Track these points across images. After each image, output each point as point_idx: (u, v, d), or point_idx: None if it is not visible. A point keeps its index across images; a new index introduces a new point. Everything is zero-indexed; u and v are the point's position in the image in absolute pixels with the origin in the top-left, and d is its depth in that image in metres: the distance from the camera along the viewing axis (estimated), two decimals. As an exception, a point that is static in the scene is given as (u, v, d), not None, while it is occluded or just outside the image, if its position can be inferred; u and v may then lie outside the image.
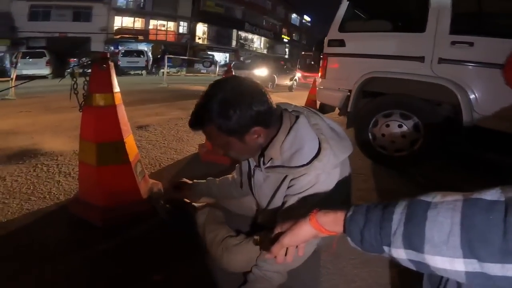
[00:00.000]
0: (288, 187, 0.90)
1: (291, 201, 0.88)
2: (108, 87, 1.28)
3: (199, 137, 2.61)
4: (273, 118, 0.89)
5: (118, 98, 1.33)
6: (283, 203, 0.91)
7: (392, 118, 2.25)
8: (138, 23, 22.23)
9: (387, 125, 2.26)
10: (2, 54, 14.01)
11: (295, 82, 10.66)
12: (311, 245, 0.91)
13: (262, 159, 0.96)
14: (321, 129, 0.90)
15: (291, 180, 0.88)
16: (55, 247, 1.12)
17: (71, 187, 1.63)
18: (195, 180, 1.36)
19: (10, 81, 6.05)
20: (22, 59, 9.90)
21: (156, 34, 22.79)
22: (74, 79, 1.32)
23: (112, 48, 19.14)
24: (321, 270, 1.09)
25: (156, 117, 3.68)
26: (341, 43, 2.50)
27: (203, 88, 0.90)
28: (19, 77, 6.68)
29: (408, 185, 2.01)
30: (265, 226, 1.07)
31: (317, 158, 0.83)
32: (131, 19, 21.93)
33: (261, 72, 10.21)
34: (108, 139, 1.27)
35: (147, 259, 1.09)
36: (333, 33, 2.56)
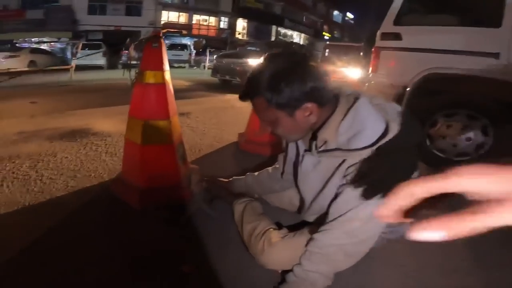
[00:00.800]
0: (345, 176, 0.77)
1: (348, 192, 0.75)
2: (159, 65, 1.29)
3: (239, 127, 2.57)
4: (329, 97, 0.79)
5: (168, 77, 1.33)
6: (336, 196, 0.79)
7: (455, 119, 2.00)
8: (183, 18, 23.14)
9: (449, 126, 2.02)
10: (64, 45, 15.49)
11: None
12: (367, 245, 0.80)
13: (314, 142, 0.84)
14: (387, 110, 0.77)
15: (349, 167, 0.76)
16: (92, 226, 1.13)
17: (116, 167, 1.68)
18: (233, 178, 1.31)
19: (71, 69, 6.68)
20: (82, 50, 10.87)
21: (199, 28, 23.54)
22: (128, 55, 1.35)
23: (158, 41, 20.05)
24: (367, 277, 0.97)
25: (197, 105, 3.73)
26: (397, 36, 2.33)
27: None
28: (78, 67, 7.34)
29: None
30: (310, 223, 0.98)
31: (384, 139, 0.71)
32: (176, 13, 22.91)
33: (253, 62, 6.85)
34: (155, 117, 1.26)
35: (178, 246, 1.05)
36: (388, 26, 2.40)
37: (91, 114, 2.99)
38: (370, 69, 2.62)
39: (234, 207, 1.16)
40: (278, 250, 0.89)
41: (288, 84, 0.74)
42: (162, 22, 21.55)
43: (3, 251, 0.95)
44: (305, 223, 0.98)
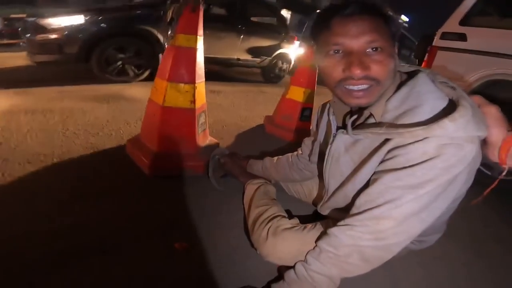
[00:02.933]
0: (385, 161, 0.61)
1: (386, 180, 0.59)
2: (193, 29, 1.25)
3: (267, 111, 2.49)
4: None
5: (200, 42, 1.28)
6: (368, 184, 0.64)
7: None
8: None
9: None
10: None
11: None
12: (391, 251, 0.64)
13: (351, 118, 0.69)
14: (453, 86, 0.62)
15: (393, 149, 0.60)
16: (98, 186, 1.11)
17: (138, 130, 1.67)
18: (251, 159, 1.23)
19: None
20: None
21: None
22: (168, 17, 1.33)
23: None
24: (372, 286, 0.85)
25: (229, 87, 3.71)
26: (462, 37, 2.16)
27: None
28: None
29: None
30: (327, 216, 0.85)
31: (449, 117, 0.54)
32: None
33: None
34: (181, 80, 1.22)
35: (177, 222, 0.99)
36: (452, 25, 2.24)
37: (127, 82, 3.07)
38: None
39: (246, 188, 1.10)
40: (283, 241, 0.77)
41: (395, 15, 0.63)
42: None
43: (7, 201, 0.96)
44: (320, 217, 0.86)
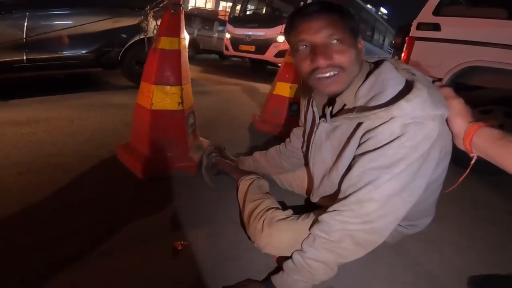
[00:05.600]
0: (360, 145, 0.66)
1: (363, 163, 0.64)
2: (175, 32, 1.26)
3: (255, 107, 2.51)
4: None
5: (183, 44, 1.29)
6: (349, 168, 0.68)
7: (491, 116, 1.84)
8: (209, 4, 23.08)
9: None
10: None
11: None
12: (381, 234, 0.67)
13: (330, 108, 0.76)
14: (413, 73, 0.67)
15: (365, 133, 0.65)
16: (93, 193, 1.11)
17: (127, 136, 1.65)
18: (241, 156, 1.26)
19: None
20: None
21: (225, 15, 23.45)
22: (145, 22, 1.33)
23: (184, 26, 20.30)
24: (374, 273, 0.88)
25: (218, 85, 3.71)
26: (436, 27, 2.23)
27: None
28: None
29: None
30: (320, 206, 0.87)
31: (405, 98, 0.59)
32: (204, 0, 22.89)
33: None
34: (167, 82, 1.23)
35: (174, 221, 1.00)
36: (426, 16, 2.31)
37: (113, 89, 3.03)
38: (402, 59, 2.50)
39: (239, 184, 1.12)
40: (278, 231, 0.80)
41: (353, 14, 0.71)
42: (190, 8, 21.66)
43: (2, 212, 0.95)
44: (315, 207, 0.88)
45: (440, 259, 0.98)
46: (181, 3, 1.31)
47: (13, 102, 2.21)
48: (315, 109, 0.85)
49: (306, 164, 1.08)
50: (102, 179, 1.21)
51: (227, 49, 5.96)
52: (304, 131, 1.01)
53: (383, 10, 38.32)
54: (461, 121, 0.64)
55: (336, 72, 0.67)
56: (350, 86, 0.70)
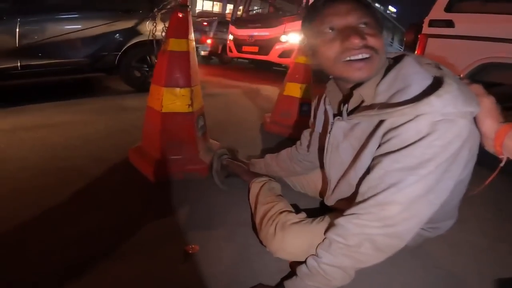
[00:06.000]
0: (381, 145, 0.61)
1: (385, 164, 0.58)
2: (184, 33, 1.25)
3: (265, 110, 2.49)
4: None
5: (192, 45, 1.28)
6: (370, 169, 0.63)
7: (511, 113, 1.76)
8: (217, 7, 23.35)
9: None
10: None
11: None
12: (403, 238, 0.62)
13: (346, 105, 0.70)
14: (440, 67, 0.62)
15: (387, 132, 0.60)
16: (106, 196, 1.11)
17: (139, 139, 1.68)
18: (252, 159, 1.24)
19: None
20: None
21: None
22: (154, 23, 1.33)
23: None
24: (394, 278, 0.84)
25: (226, 88, 3.71)
26: (449, 23, 2.17)
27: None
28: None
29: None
30: (335, 209, 0.84)
31: (435, 93, 0.54)
32: (211, 3, 23.19)
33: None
34: (176, 84, 1.22)
35: (185, 224, 0.98)
36: (438, 12, 2.27)
37: (118, 93, 3.06)
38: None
39: (251, 186, 1.09)
40: (291, 236, 0.76)
41: None
42: (198, 11, 21.94)
43: (17, 215, 0.96)
44: (330, 211, 0.84)
45: (462, 262, 0.93)
46: (188, 4, 1.31)
47: (25, 107, 2.26)
48: (328, 107, 0.80)
49: (322, 166, 1.05)
50: (114, 183, 1.21)
51: (230, 51, 5.81)
52: (312, 131, 0.97)
53: (391, 8, 37.78)
54: (491, 122, 0.59)
55: (369, 55, 0.61)
56: (370, 80, 0.65)
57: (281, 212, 0.85)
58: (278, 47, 4.92)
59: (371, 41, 0.61)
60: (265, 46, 5.07)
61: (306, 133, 1.05)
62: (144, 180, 1.23)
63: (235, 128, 2.11)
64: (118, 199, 1.10)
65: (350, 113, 0.71)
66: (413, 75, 0.59)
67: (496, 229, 1.13)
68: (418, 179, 0.56)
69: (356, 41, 0.60)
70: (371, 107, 0.63)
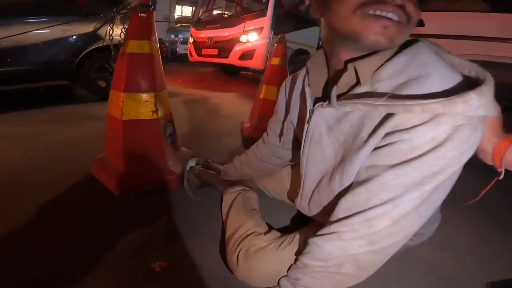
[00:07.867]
0: (381, 147, 0.47)
1: (385, 177, 0.46)
2: (145, 35, 1.15)
3: (240, 115, 2.42)
4: None
5: (155, 47, 1.18)
6: (364, 177, 0.49)
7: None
8: (197, 13, 23.28)
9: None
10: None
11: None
12: (387, 253, 0.53)
13: (335, 87, 0.52)
14: (465, 65, 0.48)
15: (395, 132, 0.45)
16: (67, 212, 1.01)
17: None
18: (223, 166, 1.14)
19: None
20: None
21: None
22: (110, 26, 1.22)
23: (172, 36, 20.32)
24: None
25: (201, 94, 3.60)
26: (420, 22, 2.23)
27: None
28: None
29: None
30: (311, 219, 0.74)
31: (476, 90, 0.40)
32: (190, 8, 23.00)
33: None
34: (138, 89, 1.11)
35: (152, 240, 0.89)
36: None
37: (91, 101, 2.90)
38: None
39: (224, 197, 1.00)
40: (256, 264, 0.67)
41: None
42: (176, 17, 21.69)
43: None
44: (306, 220, 0.75)
45: (453, 266, 0.89)
46: (150, 4, 1.21)
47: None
48: (307, 89, 0.63)
49: (295, 162, 0.96)
50: (76, 197, 1.09)
51: (191, 55, 5.17)
52: (284, 120, 0.84)
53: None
54: (490, 135, 0.51)
55: (400, 20, 0.45)
56: (373, 56, 0.49)
57: (247, 236, 0.75)
58: (238, 49, 4.30)
59: (409, 6, 0.45)
60: (224, 48, 4.45)
61: (273, 124, 0.92)
62: (108, 194, 1.12)
63: (211, 135, 2.00)
64: (79, 216, 0.98)
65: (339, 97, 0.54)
66: (433, 63, 0.46)
67: (484, 231, 1.10)
68: (419, 195, 0.44)
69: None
70: (374, 94, 0.47)
